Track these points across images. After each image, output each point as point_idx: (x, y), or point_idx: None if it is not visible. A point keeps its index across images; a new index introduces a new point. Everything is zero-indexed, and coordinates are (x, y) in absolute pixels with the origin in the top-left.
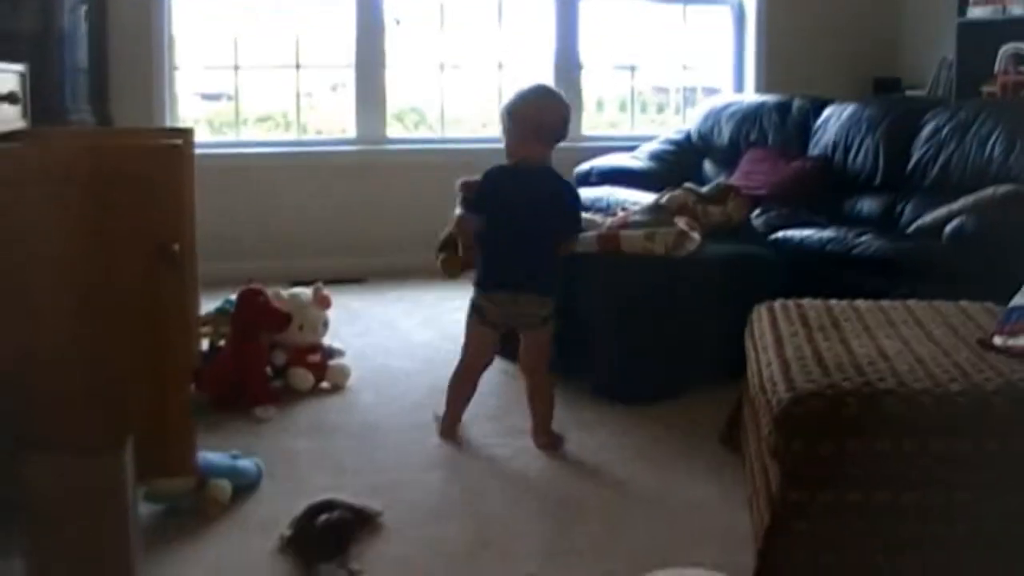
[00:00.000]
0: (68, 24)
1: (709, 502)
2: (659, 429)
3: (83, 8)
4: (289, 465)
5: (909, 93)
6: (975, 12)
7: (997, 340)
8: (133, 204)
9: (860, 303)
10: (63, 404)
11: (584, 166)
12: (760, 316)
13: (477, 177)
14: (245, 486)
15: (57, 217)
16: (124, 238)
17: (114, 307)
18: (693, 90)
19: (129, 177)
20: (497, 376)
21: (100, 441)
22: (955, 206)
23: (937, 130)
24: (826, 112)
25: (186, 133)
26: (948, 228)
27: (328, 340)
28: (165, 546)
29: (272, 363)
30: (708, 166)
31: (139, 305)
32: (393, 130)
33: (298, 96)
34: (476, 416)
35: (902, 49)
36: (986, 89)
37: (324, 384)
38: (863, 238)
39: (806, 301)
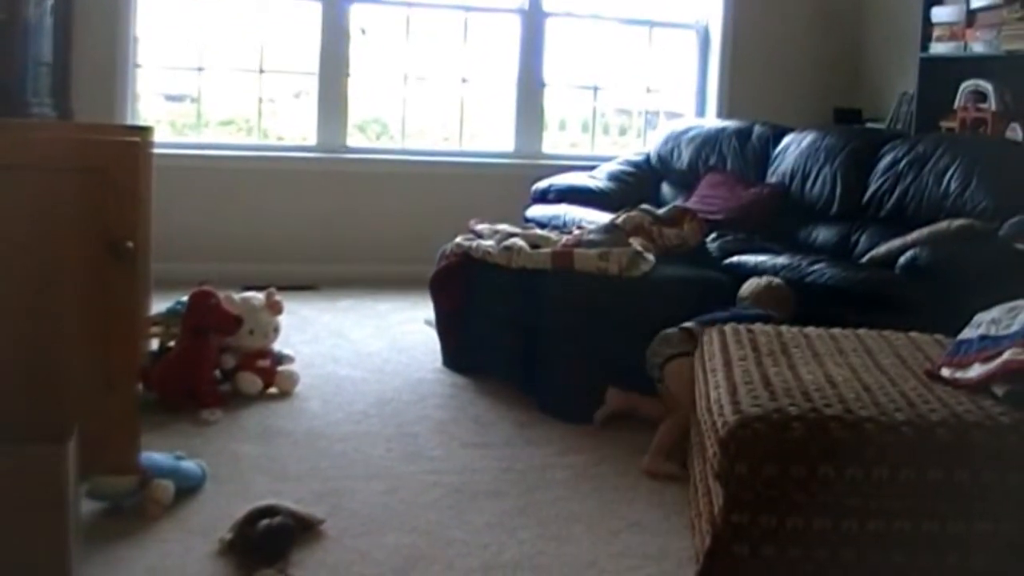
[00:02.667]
0: (33, 16)
1: (651, 522)
2: (606, 448)
3: (49, 1)
4: (233, 469)
5: (869, 125)
6: (937, 48)
7: (945, 372)
8: (88, 199)
9: (810, 330)
10: (6, 395)
11: (542, 184)
12: (711, 339)
13: None
14: (188, 488)
15: (10, 208)
16: (77, 232)
17: (63, 300)
18: (656, 113)
19: (84, 171)
20: (445, 389)
21: (43, 433)
22: (909, 238)
23: (895, 162)
24: (786, 140)
25: (145, 131)
26: (901, 259)
27: (278, 346)
28: (105, 544)
29: (221, 366)
30: (666, 189)
31: (89, 300)
32: (354, 139)
33: (260, 101)
34: (423, 428)
35: (864, 81)
36: (945, 124)
37: (272, 389)
38: (817, 266)
39: (757, 326)
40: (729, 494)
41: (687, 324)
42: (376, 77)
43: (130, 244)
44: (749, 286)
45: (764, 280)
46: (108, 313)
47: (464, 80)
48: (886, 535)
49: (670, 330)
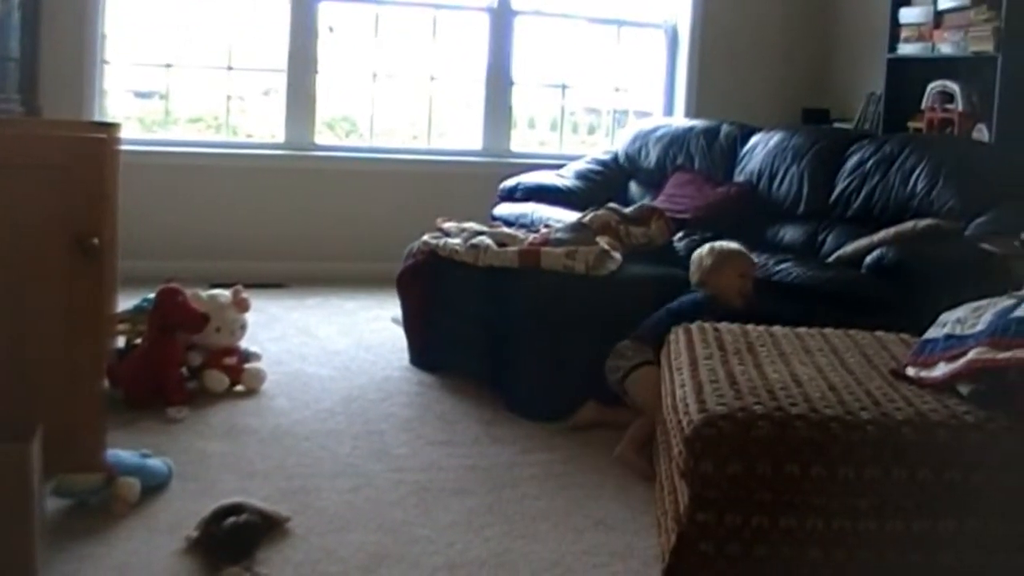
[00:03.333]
0: (1, 12)
1: (617, 520)
2: (572, 446)
3: None
4: (199, 466)
5: (837, 125)
6: (905, 48)
7: (910, 371)
8: (54, 195)
9: (777, 329)
10: None
11: (510, 182)
12: (677, 337)
13: None
14: (154, 485)
15: None
16: (43, 228)
17: (29, 297)
18: (625, 112)
19: (51, 167)
20: (412, 387)
21: (8, 431)
22: (876, 238)
23: (862, 162)
24: (753, 139)
25: (112, 127)
26: (868, 259)
27: (245, 344)
28: (70, 542)
29: (188, 364)
30: (634, 187)
31: (55, 297)
32: (323, 137)
33: (229, 98)
34: (389, 426)
35: (832, 81)
36: (912, 124)
37: (239, 387)
38: (783, 265)
39: (723, 325)
40: (694, 492)
41: (635, 333)
42: (345, 75)
43: (96, 241)
44: (691, 265)
45: (696, 255)
46: (74, 310)
47: (433, 78)
48: (851, 533)
49: (621, 343)
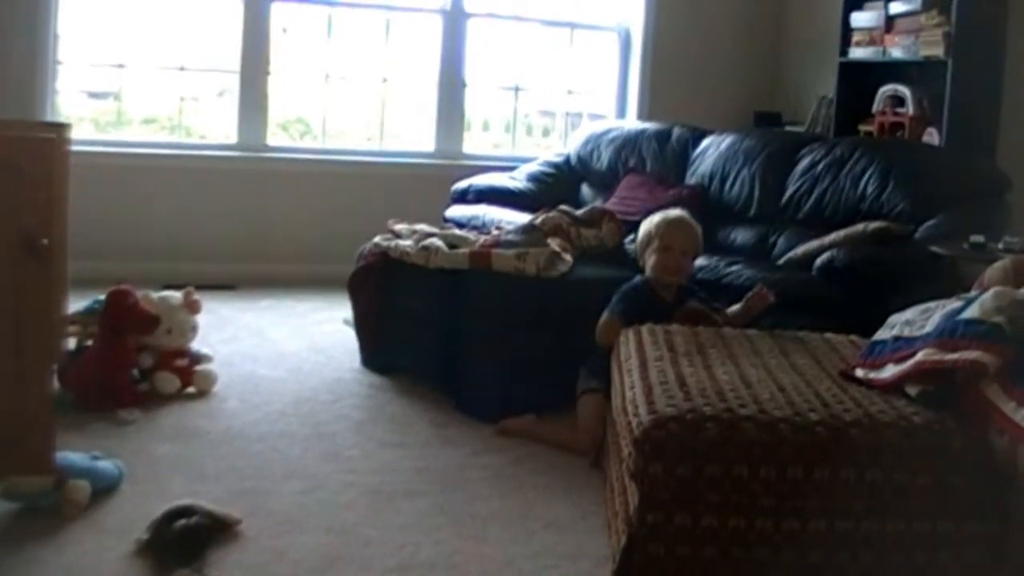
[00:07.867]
0: None
1: (568, 521)
2: (522, 449)
3: None
4: (150, 469)
5: (789, 128)
6: (856, 52)
7: (859, 372)
8: (2, 195)
9: (727, 330)
10: None
11: (462, 184)
12: (627, 339)
13: None
14: (104, 488)
15: None
16: None
17: None
18: (579, 115)
19: None
20: (363, 389)
21: None
22: (826, 240)
23: (813, 165)
24: (705, 142)
25: (62, 128)
26: (818, 261)
27: (196, 345)
28: (19, 545)
29: (139, 365)
30: (586, 190)
31: (3, 297)
32: (277, 139)
33: (182, 99)
34: (340, 428)
35: (784, 85)
36: (864, 128)
37: (190, 389)
38: (734, 267)
39: (673, 326)
40: (644, 494)
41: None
42: (298, 76)
43: (45, 241)
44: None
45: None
46: (23, 311)
47: (386, 80)
48: (800, 534)
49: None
